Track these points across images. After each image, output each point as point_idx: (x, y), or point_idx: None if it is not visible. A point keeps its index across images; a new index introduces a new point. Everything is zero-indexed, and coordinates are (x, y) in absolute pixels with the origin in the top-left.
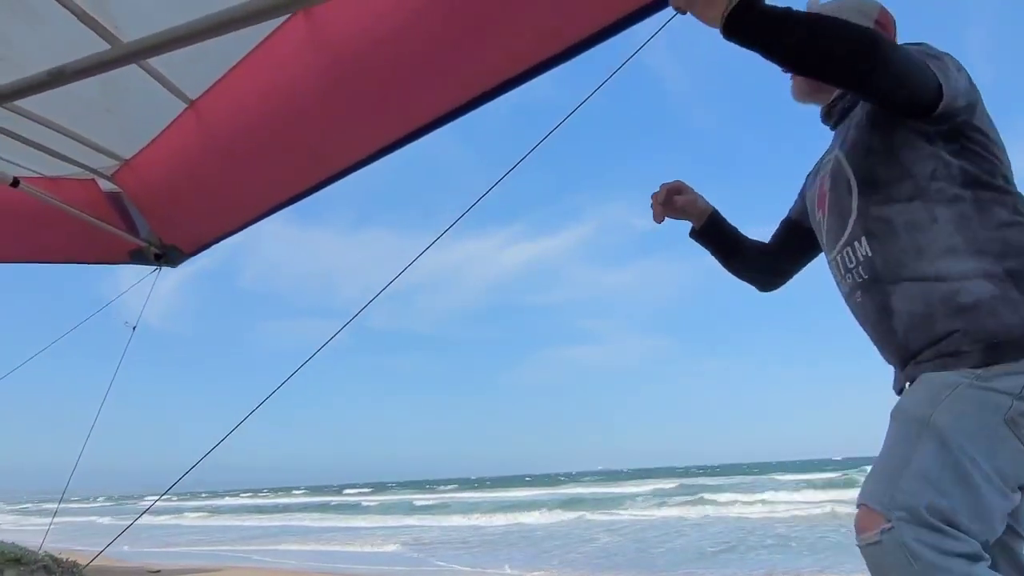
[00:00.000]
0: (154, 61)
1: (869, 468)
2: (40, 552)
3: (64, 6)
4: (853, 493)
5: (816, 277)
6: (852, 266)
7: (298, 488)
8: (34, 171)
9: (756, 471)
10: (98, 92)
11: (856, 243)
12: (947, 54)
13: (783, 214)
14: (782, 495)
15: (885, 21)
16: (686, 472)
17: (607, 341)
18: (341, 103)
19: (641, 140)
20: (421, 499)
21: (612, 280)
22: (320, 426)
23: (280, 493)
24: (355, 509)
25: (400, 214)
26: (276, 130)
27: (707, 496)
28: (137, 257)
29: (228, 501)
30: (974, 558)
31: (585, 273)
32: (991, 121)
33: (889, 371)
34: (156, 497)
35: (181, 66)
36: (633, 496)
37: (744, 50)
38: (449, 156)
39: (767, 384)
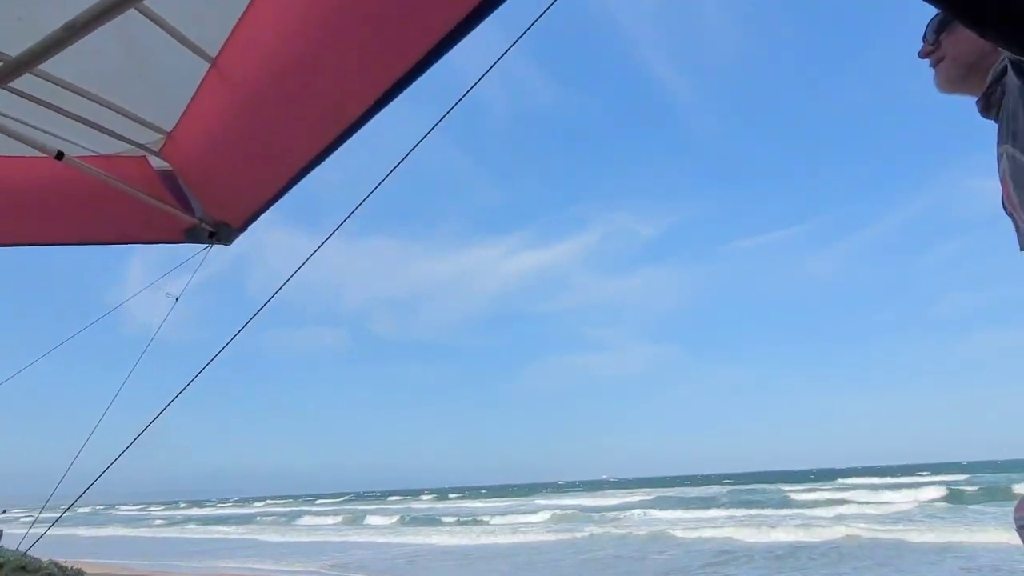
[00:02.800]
0: (170, 17)
1: (869, 479)
2: (44, 560)
3: None
4: (843, 509)
5: (820, 283)
6: None
7: (275, 498)
8: (86, 148)
9: (755, 480)
10: (124, 56)
11: None
12: None
13: (784, 218)
14: (757, 511)
15: None
16: (682, 481)
17: (612, 348)
18: (351, 33)
19: (643, 148)
20: (387, 510)
21: (617, 287)
22: (321, 432)
23: (247, 503)
24: (297, 522)
25: (402, 223)
26: (296, 77)
27: (667, 513)
28: (191, 236)
29: (196, 511)
30: None
31: (590, 281)
32: None
33: (895, 378)
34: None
35: (196, 19)
36: (594, 510)
37: (745, 57)
38: (449, 166)
39: (772, 391)
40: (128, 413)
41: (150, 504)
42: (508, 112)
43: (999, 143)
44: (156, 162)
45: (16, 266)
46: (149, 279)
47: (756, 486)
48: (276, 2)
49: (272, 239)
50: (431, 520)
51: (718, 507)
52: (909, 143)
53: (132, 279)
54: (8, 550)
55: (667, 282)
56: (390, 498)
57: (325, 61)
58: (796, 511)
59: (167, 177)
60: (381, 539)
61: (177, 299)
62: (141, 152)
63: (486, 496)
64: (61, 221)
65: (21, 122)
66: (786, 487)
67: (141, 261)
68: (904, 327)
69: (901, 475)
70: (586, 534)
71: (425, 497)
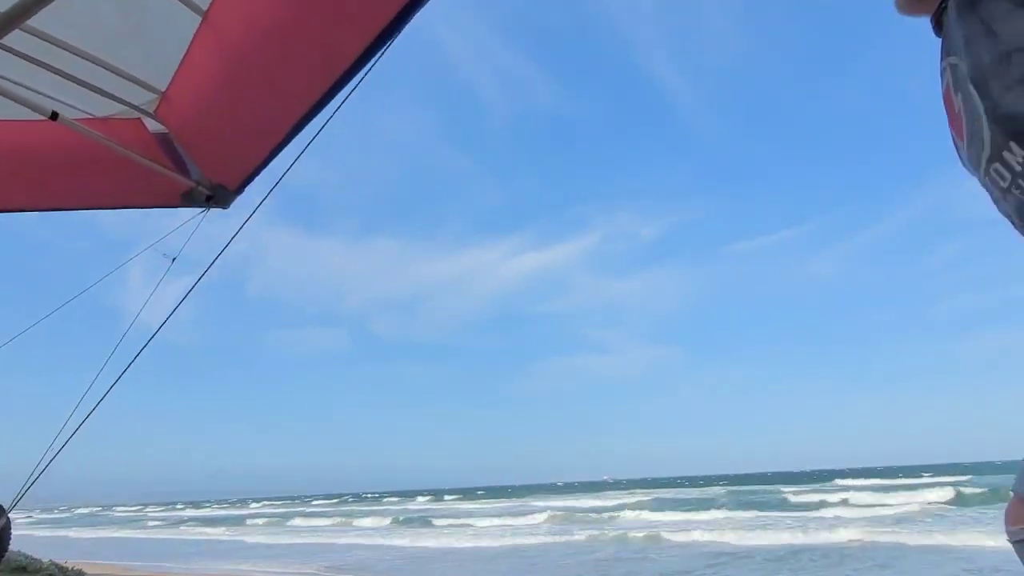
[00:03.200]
0: None
1: (872, 480)
2: (45, 561)
3: None
4: (845, 511)
5: (827, 286)
6: (1007, 184)
7: (272, 499)
8: (82, 111)
9: (757, 481)
10: (116, 11)
11: (1005, 153)
12: None
13: (786, 218)
14: (754, 513)
15: None
16: (682, 483)
17: (614, 350)
18: None
19: (646, 150)
20: (382, 511)
21: (619, 289)
22: (321, 433)
23: (244, 505)
24: (273, 526)
25: (404, 224)
26: (284, 28)
27: (663, 515)
28: (188, 199)
29: (192, 512)
30: None
31: (592, 282)
32: None
33: (900, 378)
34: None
35: None
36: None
37: (746, 57)
38: (451, 167)
39: (774, 392)
40: (126, 412)
41: (147, 505)
42: (508, 113)
43: (941, 59)
44: (152, 124)
45: (13, 269)
46: (148, 278)
47: (757, 487)
48: None
49: (274, 239)
50: (425, 522)
51: (716, 508)
52: (911, 143)
53: (133, 280)
54: (10, 550)
55: (669, 283)
56: (387, 499)
57: (312, 11)
58: (798, 513)
59: (163, 140)
60: (374, 541)
61: (174, 260)
62: (136, 114)
63: (483, 497)
64: (56, 186)
65: (14, 82)
66: (788, 488)
67: (139, 263)
68: (906, 327)
69: (903, 476)
70: (579, 537)
71: (421, 499)
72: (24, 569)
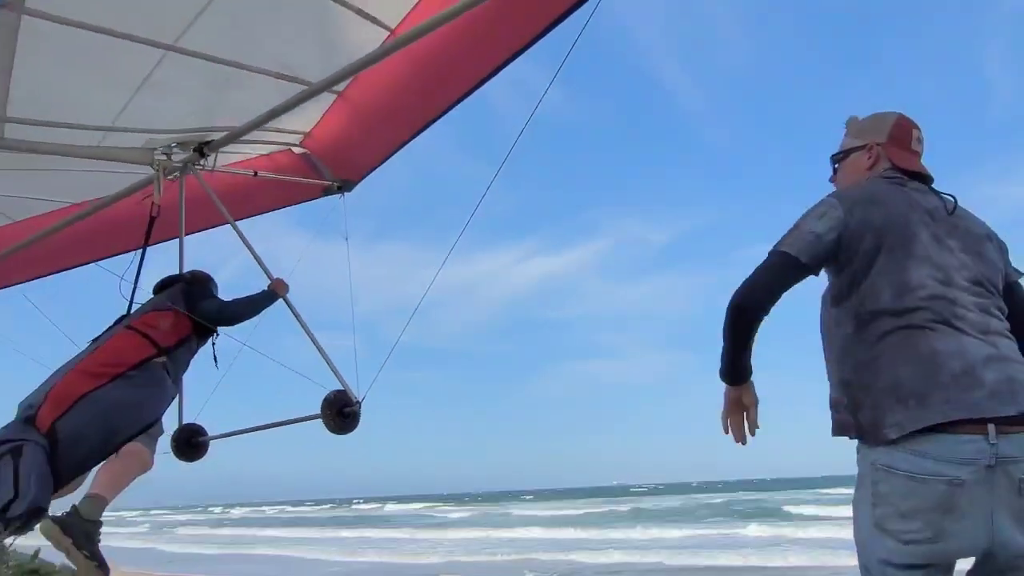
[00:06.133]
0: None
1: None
2: (57, 564)
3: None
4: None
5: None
6: None
7: (246, 504)
8: (246, 153)
9: (764, 487)
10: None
11: None
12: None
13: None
14: (723, 529)
15: (899, 133)
16: (688, 489)
17: (624, 356)
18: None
19: (655, 155)
20: (348, 518)
21: (629, 295)
22: (327, 438)
23: (223, 510)
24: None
25: (416, 229)
26: (417, 87)
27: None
28: (326, 192)
29: (176, 517)
30: None
31: (602, 288)
32: None
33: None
34: None
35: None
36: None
37: (757, 63)
38: (460, 171)
39: (787, 399)
40: None
41: (123, 509)
42: (520, 117)
43: None
44: (297, 150)
45: None
46: None
47: (763, 494)
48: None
49: (283, 244)
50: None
51: (688, 523)
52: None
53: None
54: (24, 554)
55: (680, 289)
56: (357, 505)
57: (435, 67)
58: (790, 530)
59: (306, 158)
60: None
61: (347, 239)
62: (286, 147)
63: (471, 503)
64: (245, 203)
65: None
66: (790, 495)
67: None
68: None
69: None
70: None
71: (392, 505)
72: (36, 572)
